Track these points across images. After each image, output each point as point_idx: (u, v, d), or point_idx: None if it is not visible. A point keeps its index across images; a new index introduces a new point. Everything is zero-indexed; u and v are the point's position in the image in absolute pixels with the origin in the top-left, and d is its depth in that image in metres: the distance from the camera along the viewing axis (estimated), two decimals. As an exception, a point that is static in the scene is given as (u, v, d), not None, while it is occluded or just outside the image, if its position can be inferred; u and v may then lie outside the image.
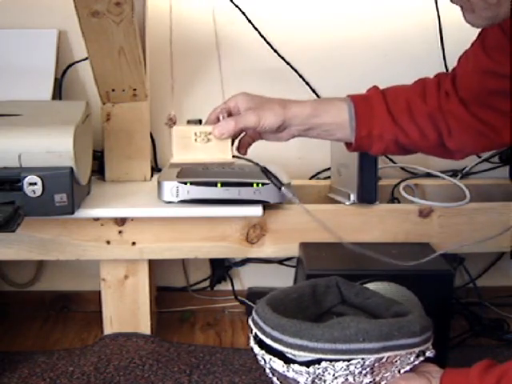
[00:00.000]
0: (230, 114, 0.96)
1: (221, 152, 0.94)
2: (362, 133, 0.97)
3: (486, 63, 0.92)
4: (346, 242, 1.00)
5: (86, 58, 1.18)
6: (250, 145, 1.00)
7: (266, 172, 1.00)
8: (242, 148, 1.00)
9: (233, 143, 0.96)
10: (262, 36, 1.36)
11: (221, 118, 0.95)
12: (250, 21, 1.35)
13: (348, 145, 1.02)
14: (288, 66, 1.38)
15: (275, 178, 1.00)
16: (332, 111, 0.98)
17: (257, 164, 1.00)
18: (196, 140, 0.94)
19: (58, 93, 1.32)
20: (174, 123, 0.96)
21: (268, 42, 1.37)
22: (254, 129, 0.96)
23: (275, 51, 1.37)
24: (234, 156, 0.96)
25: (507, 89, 0.90)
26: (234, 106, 0.97)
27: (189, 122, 0.97)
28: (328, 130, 0.99)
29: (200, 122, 0.97)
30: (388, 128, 0.97)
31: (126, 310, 1.25)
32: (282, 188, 0.99)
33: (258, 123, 0.94)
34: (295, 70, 1.38)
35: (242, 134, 0.99)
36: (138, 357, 1.18)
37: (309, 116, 0.97)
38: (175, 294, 1.47)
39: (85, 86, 1.36)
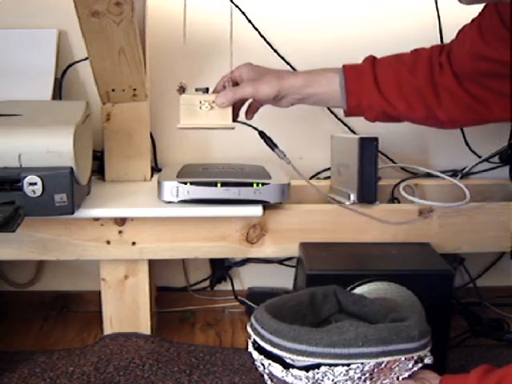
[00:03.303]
0: (235, 83, 1.08)
1: (222, 118, 1.07)
2: (351, 103, 1.05)
3: (481, 48, 0.93)
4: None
5: (86, 58, 1.18)
6: (257, 109, 1.13)
7: (262, 135, 1.13)
8: (250, 113, 1.13)
9: (234, 110, 1.08)
10: (262, 36, 1.36)
11: (227, 86, 1.07)
12: (250, 21, 1.35)
13: (344, 110, 1.09)
14: (288, 66, 1.38)
15: (270, 140, 1.13)
16: (323, 82, 1.06)
17: (255, 128, 1.12)
18: (201, 107, 1.07)
19: (57, 93, 1.32)
20: (184, 91, 1.09)
21: (268, 42, 1.37)
22: (252, 98, 1.08)
23: (275, 51, 1.37)
24: (234, 121, 1.09)
25: (500, 71, 0.92)
26: (238, 75, 1.09)
27: (197, 89, 1.09)
28: (321, 100, 1.08)
29: (207, 90, 1.09)
30: (375, 100, 1.03)
31: (126, 309, 1.25)
32: (276, 149, 1.12)
33: (254, 94, 1.05)
34: (295, 70, 1.38)
35: (250, 100, 1.11)
36: (138, 357, 1.17)
37: (302, 86, 1.06)
38: (175, 293, 1.47)
39: (85, 86, 1.36)
